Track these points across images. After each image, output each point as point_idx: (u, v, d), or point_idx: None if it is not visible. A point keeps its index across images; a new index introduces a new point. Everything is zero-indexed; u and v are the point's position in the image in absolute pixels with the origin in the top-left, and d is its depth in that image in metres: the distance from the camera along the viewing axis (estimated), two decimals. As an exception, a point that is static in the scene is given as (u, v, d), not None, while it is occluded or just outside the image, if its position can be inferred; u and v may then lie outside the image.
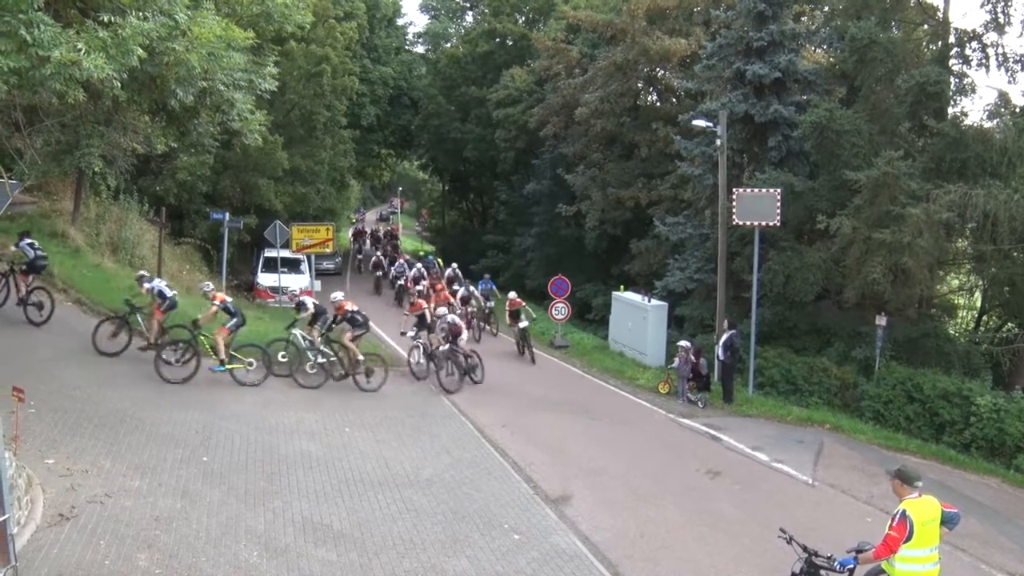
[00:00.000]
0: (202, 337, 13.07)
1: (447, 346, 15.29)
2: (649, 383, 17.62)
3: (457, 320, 16.15)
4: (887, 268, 16.42)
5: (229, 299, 13.31)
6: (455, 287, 24.26)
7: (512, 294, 21.16)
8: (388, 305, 25.92)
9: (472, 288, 23.07)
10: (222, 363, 12.92)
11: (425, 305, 17.21)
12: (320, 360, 14.01)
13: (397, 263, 28.72)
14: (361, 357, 14.24)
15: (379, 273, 30.43)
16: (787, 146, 20.35)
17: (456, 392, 14.85)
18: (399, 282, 26.74)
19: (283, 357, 14.05)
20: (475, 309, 22.32)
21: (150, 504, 8.04)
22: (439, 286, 22.91)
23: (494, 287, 24.18)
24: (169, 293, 13.44)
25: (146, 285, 13.49)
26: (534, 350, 19.45)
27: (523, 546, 8.65)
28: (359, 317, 14.37)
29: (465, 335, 15.93)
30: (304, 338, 14.20)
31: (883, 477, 10.81)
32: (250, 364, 13.13)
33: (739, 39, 20.84)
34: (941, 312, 20.73)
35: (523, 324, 19.41)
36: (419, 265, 27.29)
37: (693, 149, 21.85)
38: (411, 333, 16.01)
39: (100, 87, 10.28)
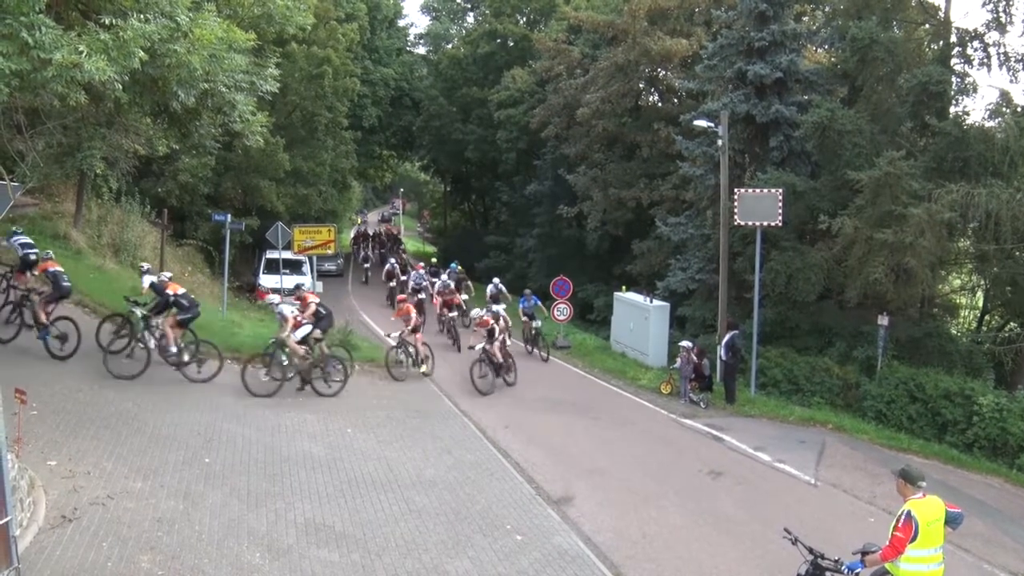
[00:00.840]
0: (29, 303, 13.07)
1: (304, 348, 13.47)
2: (651, 383, 17.60)
3: (285, 312, 13.67)
4: (889, 268, 16.41)
5: (55, 268, 13.05)
6: (492, 307, 20.67)
7: (476, 312, 17.66)
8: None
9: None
10: (40, 332, 12.70)
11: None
12: (141, 346, 13.06)
13: (414, 274, 25.53)
14: (175, 347, 13.03)
15: (392, 283, 26.60)
16: (789, 146, 20.34)
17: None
18: (419, 296, 23.02)
19: (111, 335, 13.13)
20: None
21: (152, 506, 8.06)
22: (404, 301, 18.82)
23: (539, 303, 20.76)
24: (22, 252, 13.39)
25: (4, 242, 13.96)
26: (513, 374, 16.47)
27: (525, 547, 8.64)
28: (184, 302, 13.26)
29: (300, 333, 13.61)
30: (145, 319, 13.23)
31: (886, 477, 10.84)
32: (62, 337, 12.74)
33: (740, 39, 20.84)
34: (943, 312, 20.72)
35: (482, 345, 15.98)
36: (444, 276, 24.11)
37: (695, 149, 21.83)
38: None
39: (102, 89, 10.31)
